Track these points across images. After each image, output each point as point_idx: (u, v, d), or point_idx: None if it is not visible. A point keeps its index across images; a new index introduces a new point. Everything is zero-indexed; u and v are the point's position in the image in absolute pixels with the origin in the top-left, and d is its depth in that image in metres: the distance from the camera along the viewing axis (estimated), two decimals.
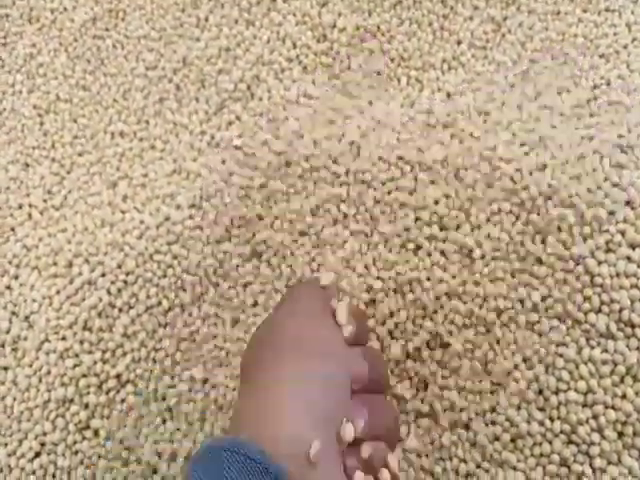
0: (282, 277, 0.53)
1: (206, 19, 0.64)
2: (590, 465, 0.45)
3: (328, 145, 0.54)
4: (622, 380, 0.46)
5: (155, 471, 0.50)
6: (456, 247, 0.50)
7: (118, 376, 0.52)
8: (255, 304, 0.53)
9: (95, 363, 0.52)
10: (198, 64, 0.62)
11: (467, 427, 0.48)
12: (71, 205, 0.59)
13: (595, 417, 0.45)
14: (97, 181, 0.60)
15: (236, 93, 0.60)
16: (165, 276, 0.54)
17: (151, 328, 0.53)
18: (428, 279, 0.50)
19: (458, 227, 0.51)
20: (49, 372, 0.51)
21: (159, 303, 0.53)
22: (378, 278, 0.51)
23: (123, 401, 0.52)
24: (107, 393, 0.51)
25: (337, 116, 0.56)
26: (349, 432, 0.38)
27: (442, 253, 0.51)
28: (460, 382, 0.48)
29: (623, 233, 0.48)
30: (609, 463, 0.45)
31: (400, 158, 0.53)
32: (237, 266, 0.53)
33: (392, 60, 0.61)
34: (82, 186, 0.60)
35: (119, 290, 0.53)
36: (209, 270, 0.53)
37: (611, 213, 0.49)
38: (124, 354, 0.52)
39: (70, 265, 0.54)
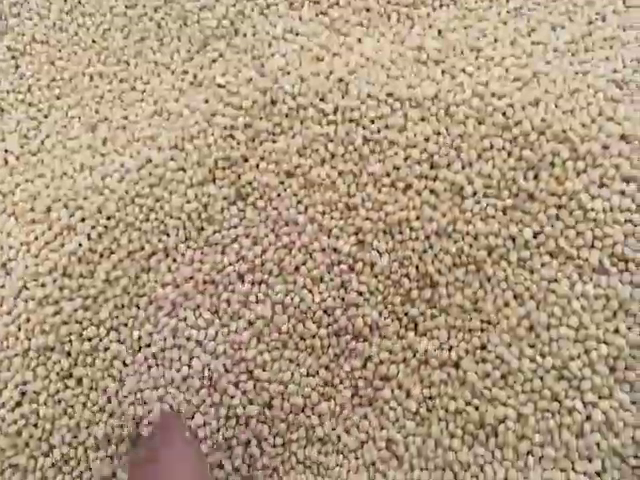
0: (269, 220, 0.53)
1: None
2: (581, 400, 0.46)
3: (315, 82, 0.54)
4: (615, 315, 0.47)
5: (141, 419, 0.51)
6: (446, 185, 0.51)
7: (101, 323, 0.52)
8: (240, 248, 0.53)
9: (76, 310, 0.52)
10: (180, 1, 0.62)
11: (457, 366, 0.49)
12: (49, 150, 0.59)
13: (587, 352, 0.47)
14: (76, 125, 0.60)
15: (219, 30, 0.60)
16: (147, 220, 0.54)
17: (134, 273, 0.53)
18: (417, 219, 0.51)
19: (449, 165, 0.52)
20: (28, 320, 0.52)
21: (142, 248, 0.54)
22: (367, 219, 0.52)
23: (107, 350, 0.52)
24: (89, 341, 0.52)
25: (324, 53, 0.57)
26: None
27: (432, 192, 0.52)
28: (450, 321, 0.50)
29: (617, 167, 0.49)
30: (600, 397, 0.46)
31: (390, 95, 0.54)
32: (222, 209, 0.54)
33: None
34: (60, 130, 0.60)
35: (100, 235, 0.53)
36: (193, 214, 0.54)
37: (605, 147, 0.50)
38: (106, 301, 0.53)
39: (48, 210, 0.55)
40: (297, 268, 0.52)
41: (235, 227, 0.54)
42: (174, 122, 0.57)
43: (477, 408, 0.48)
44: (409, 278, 0.51)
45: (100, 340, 0.52)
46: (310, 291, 0.51)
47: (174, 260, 0.54)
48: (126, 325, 0.53)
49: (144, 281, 0.53)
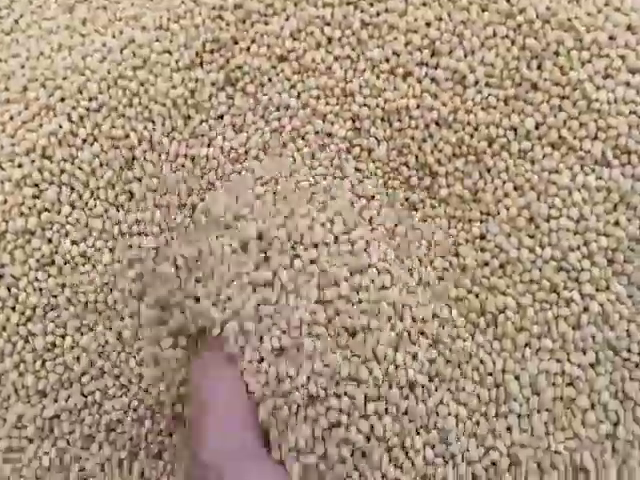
0: (259, 106, 0.51)
1: None
2: (579, 291, 0.46)
3: None
4: (615, 207, 0.47)
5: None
6: (448, 73, 0.50)
7: (91, 230, 0.50)
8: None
9: (60, 203, 0.50)
10: None
11: (456, 254, 0.49)
12: (23, 29, 0.56)
13: (586, 244, 0.46)
14: (52, 5, 0.57)
15: None
16: (131, 105, 0.51)
17: (118, 166, 0.51)
18: (417, 107, 0.49)
19: (450, 52, 0.50)
20: (5, 201, 0.49)
21: (126, 136, 0.51)
22: (364, 105, 0.50)
23: (85, 258, 0.50)
24: (78, 245, 0.50)
25: None
26: None
27: (433, 80, 0.50)
28: (449, 211, 0.49)
29: (623, 58, 0.48)
30: (598, 290, 0.46)
31: None
32: (210, 95, 0.52)
33: None
34: (35, 10, 0.57)
35: (81, 117, 0.51)
36: (179, 100, 0.51)
37: (611, 38, 0.49)
38: (92, 195, 0.50)
39: (25, 90, 0.52)
40: (285, 145, 0.51)
41: (223, 115, 0.52)
42: (159, 2, 0.54)
43: (477, 296, 0.48)
44: (408, 166, 0.50)
45: (87, 247, 0.50)
46: (303, 163, 0.50)
47: (159, 155, 0.51)
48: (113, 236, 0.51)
49: (130, 178, 0.51)
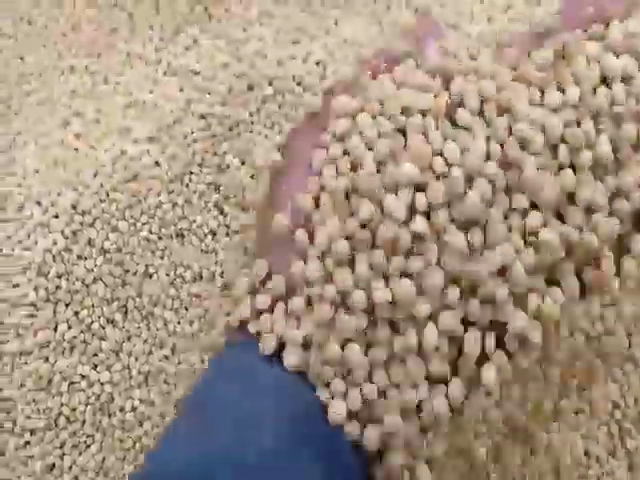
0: None
1: None
2: None
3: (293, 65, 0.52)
4: None
5: None
6: None
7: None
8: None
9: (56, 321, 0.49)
10: None
11: None
12: (21, 147, 0.56)
13: None
14: (48, 120, 0.57)
15: (192, 16, 0.58)
16: (124, 219, 0.51)
17: (112, 282, 0.50)
18: None
19: None
20: (2, 323, 0.49)
21: (118, 250, 0.51)
22: None
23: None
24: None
25: (302, 36, 0.54)
26: None
27: None
28: None
29: None
30: None
31: None
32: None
33: None
34: (31, 127, 0.57)
35: (74, 233, 0.50)
36: (167, 216, 0.51)
37: None
38: (88, 312, 0.50)
39: (21, 209, 0.52)
40: None
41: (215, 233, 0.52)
42: (151, 112, 0.54)
43: None
44: None
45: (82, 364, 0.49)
46: None
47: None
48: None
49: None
